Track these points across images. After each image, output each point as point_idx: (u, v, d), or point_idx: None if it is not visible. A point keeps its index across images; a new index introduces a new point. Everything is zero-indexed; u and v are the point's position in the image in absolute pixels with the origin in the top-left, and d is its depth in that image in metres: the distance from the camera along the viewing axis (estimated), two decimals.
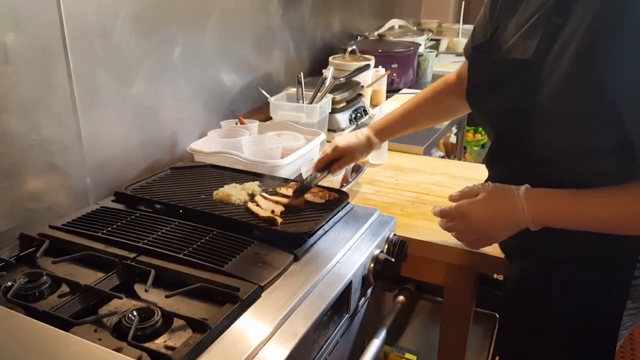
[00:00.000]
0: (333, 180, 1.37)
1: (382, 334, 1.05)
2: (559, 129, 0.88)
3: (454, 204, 0.97)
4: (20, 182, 1.09)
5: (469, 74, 1.03)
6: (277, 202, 1.13)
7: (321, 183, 1.27)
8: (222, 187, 1.18)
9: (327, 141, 1.36)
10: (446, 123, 1.92)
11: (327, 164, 1.28)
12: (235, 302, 0.82)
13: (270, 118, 1.75)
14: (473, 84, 1.03)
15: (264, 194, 1.17)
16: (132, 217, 1.08)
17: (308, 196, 1.14)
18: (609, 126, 0.84)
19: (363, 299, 1.08)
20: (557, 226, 0.90)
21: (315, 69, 2.20)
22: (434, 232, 1.25)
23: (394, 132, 1.34)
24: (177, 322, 0.80)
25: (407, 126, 1.34)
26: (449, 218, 0.98)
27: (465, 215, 0.95)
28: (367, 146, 1.31)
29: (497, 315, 1.60)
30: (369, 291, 1.10)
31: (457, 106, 1.29)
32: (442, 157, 2.53)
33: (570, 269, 0.95)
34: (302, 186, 1.17)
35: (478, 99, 1.03)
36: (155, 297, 0.86)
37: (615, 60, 0.79)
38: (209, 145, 1.45)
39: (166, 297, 0.83)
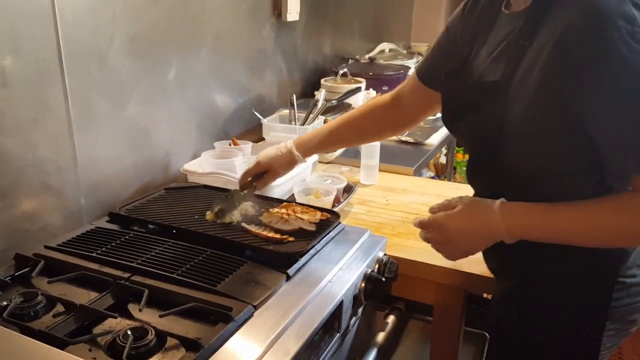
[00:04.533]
0: (324, 200, 1.39)
1: (373, 354, 1.07)
2: (529, 149, 0.91)
3: (432, 216, 1.00)
4: (15, 202, 1.10)
5: (443, 99, 1.07)
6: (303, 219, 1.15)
7: (314, 204, 1.29)
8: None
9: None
10: (435, 143, 1.95)
11: (251, 180, 1.27)
12: (228, 322, 0.84)
13: (263, 139, 1.78)
14: (448, 108, 1.06)
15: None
16: (126, 237, 1.09)
17: (300, 223, 1.15)
18: (578, 147, 0.87)
19: (354, 319, 1.09)
20: (532, 239, 0.92)
21: (308, 91, 2.24)
22: (424, 252, 1.27)
23: (316, 147, 1.32)
24: (170, 342, 0.81)
25: (331, 143, 1.34)
26: (427, 229, 1.01)
27: (442, 226, 0.98)
28: (290, 160, 1.28)
29: (487, 335, 1.61)
30: (360, 310, 1.12)
31: (385, 129, 1.32)
32: (433, 177, 2.56)
33: (550, 290, 0.97)
34: (226, 205, 1.18)
35: (454, 121, 1.06)
36: (149, 316, 0.87)
37: (580, 81, 0.81)
38: (202, 166, 1.48)
39: (160, 316, 0.85)
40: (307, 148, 1.29)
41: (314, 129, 1.34)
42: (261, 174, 1.28)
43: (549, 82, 0.85)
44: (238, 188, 1.28)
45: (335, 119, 1.34)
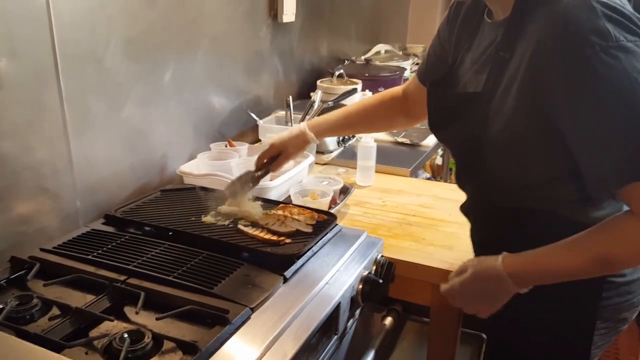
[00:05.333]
0: (321, 202, 1.39)
1: (370, 355, 1.07)
2: (511, 159, 0.92)
3: (450, 283, 1.02)
4: (11, 204, 1.10)
5: (428, 106, 1.08)
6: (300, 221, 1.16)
7: (311, 205, 1.29)
8: (216, 209, 1.20)
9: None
10: (431, 145, 1.95)
11: (265, 163, 1.29)
12: (225, 324, 0.84)
13: (259, 141, 1.77)
14: (433, 116, 1.08)
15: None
16: (122, 239, 1.09)
17: (297, 224, 1.15)
18: (559, 156, 0.87)
19: (351, 320, 1.09)
20: (543, 283, 0.93)
21: (304, 93, 2.24)
22: (420, 253, 1.27)
23: (330, 130, 1.36)
24: (167, 345, 0.80)
25: (344, 128, 1.39)
26: (449, 296, 1.02)
27: (459, 293, 1.00)
28: (303, 141, 1.30)
29: (485, 336, 1.61)
30: (357, 312, 1.12)
31: (397, 120, 1.36)
32: (429, 178, 2.56)
33: (543, 290, 0.98)
34: (238, 186, 1.21)
35: (438, 129, 1.08)
36: (146, 319, 0.87)
37: (556, 96, 0.82)
38: (198, 168, 1.47)
39: (156, 319, 0.84)
40: (320, 130, 1.32)
41: (328, 113, 1.37)
42: (275, 156, 1.29)
43: (527, 97, 0.86)
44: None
45: (349, 106, 1.38)
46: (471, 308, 1.02)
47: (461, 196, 1.28)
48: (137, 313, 0.85)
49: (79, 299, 0.91)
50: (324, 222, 1.19)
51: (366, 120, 1.36)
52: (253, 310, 0.89)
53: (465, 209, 1.14)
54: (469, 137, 0.97)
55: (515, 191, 0.97)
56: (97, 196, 1.29)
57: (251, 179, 1.25)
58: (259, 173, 1.27)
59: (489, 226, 1.06)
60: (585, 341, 0.99)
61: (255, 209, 1.20)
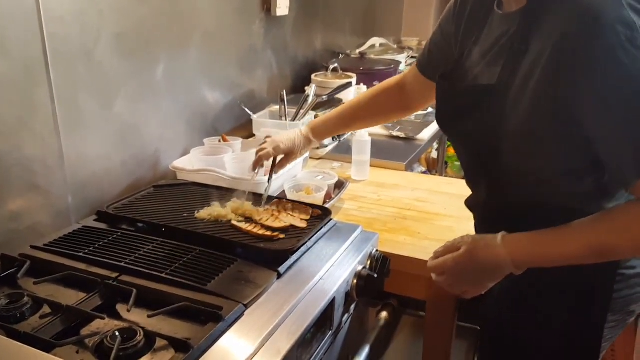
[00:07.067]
0: (316, 197, 1.38)
1: (365, 350, 1.06)
2: (528, 153, 0.90)
3: (439, 259, 0.99)
4: (1, 202, 1.08)
5: (437, 101, 1.06)
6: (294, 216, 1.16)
7: (305, 200, 1.28)
8: (209, 205, 1.19)
9: (268, 137, 1.35)
10: (427, 138, 1.94)
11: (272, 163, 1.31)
12: (218, 321, 0.83)
13: (254, 135, 1.76)
14: (442, 111, 1.06)
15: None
16: (114, 236, 1.07)
17: (291, 219, 1.14)
18: (579, 149, 0.86)
19: (346, 316, 1.09)
20: (539, 266, 0.92)
21: (298, 87, 2.22)
22: (416, 248, 1.26)
23: (330, 131, 1.40)
24: (159, 342, 0.80)
25: (342, 127, 1.41)
26: (437, 273, 1.00)
27: (451, 270, 0.97)
28: (306, 144, 1.34)
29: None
30: (352, 307, 1.11)
31: (393, 113, 1.38)
32: (424, 172, 2.56)
33: (550, 281, 0.97)
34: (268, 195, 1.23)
35: (448, 124, 1.06)
36: (138, 317, 0.86)
37: (580, 88, 0.81)
38: (191, 163, 1.46)
39: (148, 317, 0.83)
40: (319, 132, 1.35)
41: (325, 114, 1.40)
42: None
43: (548, 88, 0.84)
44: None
45: (345, 103, 1.39)
46: (459, 288, 0.99)
47: (456, 190, 1.28)
48: (128, 311, 0.85)
49: (70, 297, 0.90)
50: (319, 217, 1.18)
51: (363, 115, 1.35)
52: (246, 306, 0.89)
53: (471, 203, 1.12)
54: (482, 131, 0.94)
55: (530, 185, 0.95)
56: (90, 192, 1.28)
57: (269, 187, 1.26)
58: (272, 179, 1.28)
59: (500, 221, 1.04)
60: (595, 335, 0.98)
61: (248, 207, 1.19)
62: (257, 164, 1.29)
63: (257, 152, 1.29)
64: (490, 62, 0.95)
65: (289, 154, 1.32)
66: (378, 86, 1.36)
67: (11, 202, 1.11)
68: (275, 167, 1.31)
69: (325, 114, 1.38)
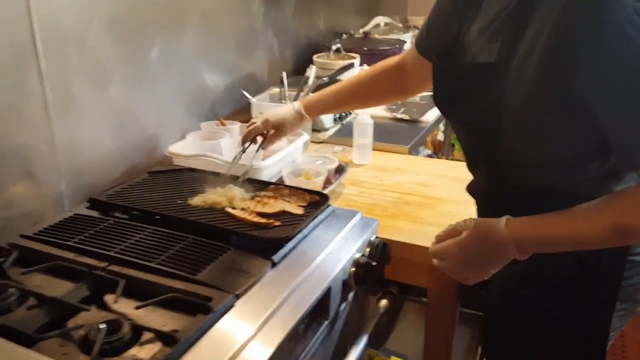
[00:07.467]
0: (315, 182, 1.34)
1: (364, 340, 1.03)
2: (529, 134, 0.86)
3: (441, 244, 0.96)
4: None
5: (434, 80, 1.01)
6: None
7: (304, 186, 1.25)
8: (203, 192, 1.16)
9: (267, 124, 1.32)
10: (431, 120, 1.90)
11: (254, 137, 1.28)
12: (207, 313, 0.80)
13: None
14: (440, 91, 1.01)
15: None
16: (105, 224, 1.05)
17: (286, 205, 1.11)
18: (585, 129, 0.82)
19: (344, 304, 1.06)
20: (545, 251, 0.88)
21: (300, 69, 2.17)
22: (417, 234, 1.23)
23: (324, 109, 1.35)
24: (146, 335, 0.77)
25: (337, 105, 1.36)
26: (438, 258, 0.96)
27: (453, 255, 0.94)
28: (298, 120, 1.30)
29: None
30: (351, 296, 1.08)
31: (392, 93, 1.32)
32: (430, 155, 2.51)
33: (558, 268, 0.93)
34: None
35: (446, 104, 1.01)
36: (127, 307, 0.83)
37: (584, 66, 0.76)
38: (188, 148, 1.43)
39: (135, 308, 0.81)
40: (313, 109, 1.31)
41: (321, 91, 1.35)
42: (266, 132, 1.28)
43: (550, 66, 0.79)
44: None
45: (342, 82, 1.34)
46: (460, 274, 0.96)
47: (461, 173, 1.24)
48: (115, 302, 0.82)
49: (58, 287, 0.88)
50: (316, 203, 1.15)
51: (359, 95, 1.31)
52: (238, 297, 0.86)
53: (473, 189, 1.08)
54: (483, 111, 0.90)
55: (533, 169, 0.91)
56: (84, 179, 1.25)
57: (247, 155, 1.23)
58: (253, 146, 1.25)
59: (503, 207, 1.00)
60: (604, 324, 0.95)
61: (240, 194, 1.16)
62: (247, 138, 1.27)
63: (247, 126, 1.28)
64: (489, 38, 0.90)
65: (279, 129, 1.29)
66: (377, 65, 1.30)
67: (3, 190, 1.08)
68: (264, 142, 1.28)
69: (321, 91, 1.34)
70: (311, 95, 1.34)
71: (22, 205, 1.13)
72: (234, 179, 1.22)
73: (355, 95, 1.31)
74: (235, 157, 1.26)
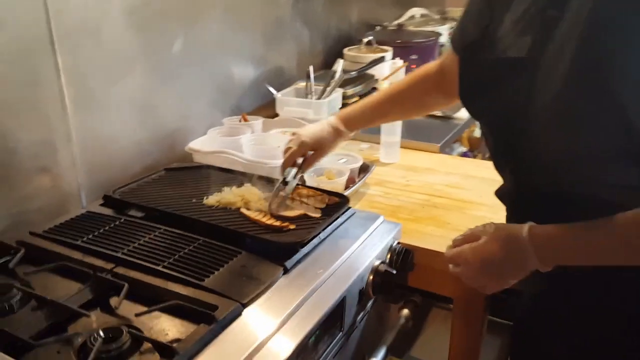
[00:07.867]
0: (337, 182, 1.28)
1: (381, 353, 0.97)
2: (560, 135, 0.78)
3: (456, 249, 0.89)
4: (9, 185, 1.05)
5: (460, 74, 0.93)
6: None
7: (325, 186, 1.19)
8: (220, 191, 1.12)
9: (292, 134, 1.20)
10: (465, 117, 1.81)
11: (298, 165, 1.15)
12: (210, 323, 0.76)
13: (277, 115, 1.67)
14: (465, 85, 0.93)
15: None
16: (116, 223, 1.02)
17: (305, 208, 1.05)
18: (619, 134, 0.73)
19: (362, 314, 1.00)
20: (570, 264, 0.80)
21: (330, 62, 2.09)
22: (444, 240, 1.14)
23: (364, 122, 1.22)
24: (146, 344, 0.73)
25: (378, 118, 1.25)
26: (454, 263, 0.90)
27: (469, 261, 0.87)
28: (336, 137, 1.17)
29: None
30: (369, 305, 1.02)
31: (434, 101, 1.20)
32: (464, 153, 2.40)
33: (600, 276, 0.85)
34: (279, 197, 1.08)
35: (471, 100, 0.93)
36: (130, 312, 0.80)
37: (622, 64, 0.69)
38: (208, 144, 1.39)
39: (136, 315, 0.77)
40: (351, 123, 1.18)
41: (358, 103, 1.23)
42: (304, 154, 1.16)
43: (585, 59, 0.72)
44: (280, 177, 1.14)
45: (380, 91, 1.25)
46: (477, 281, 0.89)
47: (495, 174, 1.16)
48: (116, 308, 0.79)
49: (63, 288, 0.85)
50: (335, 205, 1.09)
51: (400, 105, 1.20)
52: (245, 305, 0.81)
53: (501, 193, 1.01)
54: (510, 110, 0.83)
55: (562, 173, 0.83)
56: (101, 175, 1.23)
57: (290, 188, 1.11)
58: (296, 179, 1.12)
59: (530, 214, 0.92)
60: None
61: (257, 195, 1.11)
62: (287, 165, 1.14)
63: (284, 152, 1.16)
64: (521, 31, 0.82)
65: (318, 149, 1.16)
66: (415, 73, 1.20)
67: (18, 186, 1.07)
68: (303, 166, 1.15)
69: (358, 104, 1.23)
70: (347, 108, 1.22)
71: (38, 200, 1.11)
72: (266, 184, 1.15)
73: (396, 105, 1.20)
74: (277, 187, 1.10)
